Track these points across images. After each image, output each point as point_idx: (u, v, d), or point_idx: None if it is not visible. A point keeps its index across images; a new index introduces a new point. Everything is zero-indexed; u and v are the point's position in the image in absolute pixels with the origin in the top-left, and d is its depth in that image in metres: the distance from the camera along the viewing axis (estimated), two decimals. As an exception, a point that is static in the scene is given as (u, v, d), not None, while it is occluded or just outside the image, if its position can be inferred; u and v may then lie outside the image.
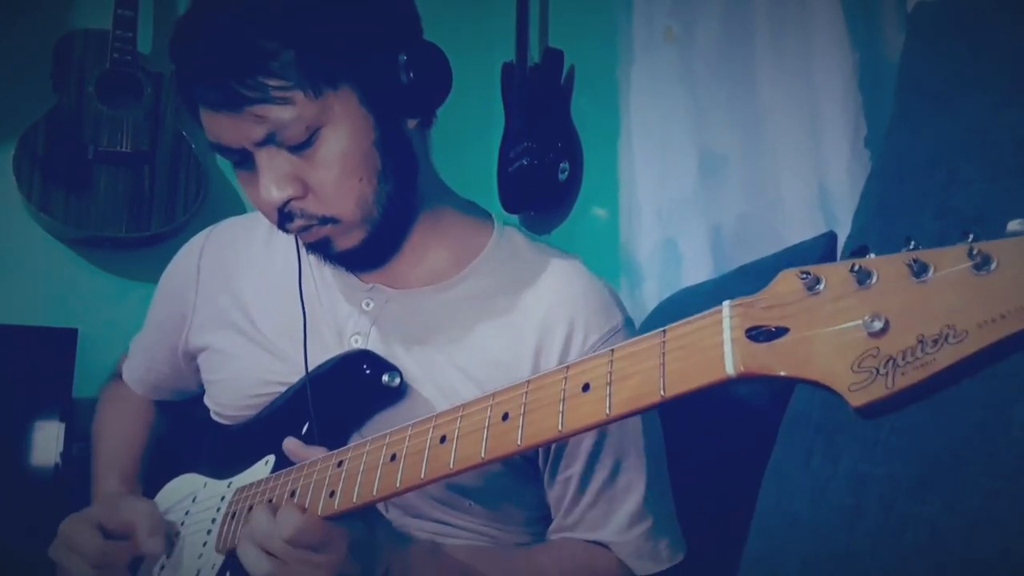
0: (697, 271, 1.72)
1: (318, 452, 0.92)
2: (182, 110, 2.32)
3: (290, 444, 0.96)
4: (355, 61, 0.94)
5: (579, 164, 2.23)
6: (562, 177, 2.19)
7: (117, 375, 1.32)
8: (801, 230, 1.44)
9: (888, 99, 1.01)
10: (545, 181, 2.21)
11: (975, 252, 0.50)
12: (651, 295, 1.82)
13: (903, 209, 0.90)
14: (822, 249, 1.23)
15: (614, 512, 1.04)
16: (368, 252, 1.01)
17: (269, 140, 0.92)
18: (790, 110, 1.54)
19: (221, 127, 0.94)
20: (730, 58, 1.68)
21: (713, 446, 1.16)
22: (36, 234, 2.27)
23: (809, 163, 1.49)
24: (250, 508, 0.96)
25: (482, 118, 2.52)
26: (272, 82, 0.90)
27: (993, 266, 0.50)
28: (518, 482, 1.07)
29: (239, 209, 2.39)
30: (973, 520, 0.73)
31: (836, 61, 1.43)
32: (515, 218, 2.33)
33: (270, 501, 0.92)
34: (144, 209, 2.24)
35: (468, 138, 2.43)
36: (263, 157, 0.94)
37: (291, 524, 0.83)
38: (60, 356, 2.07)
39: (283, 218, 0.96)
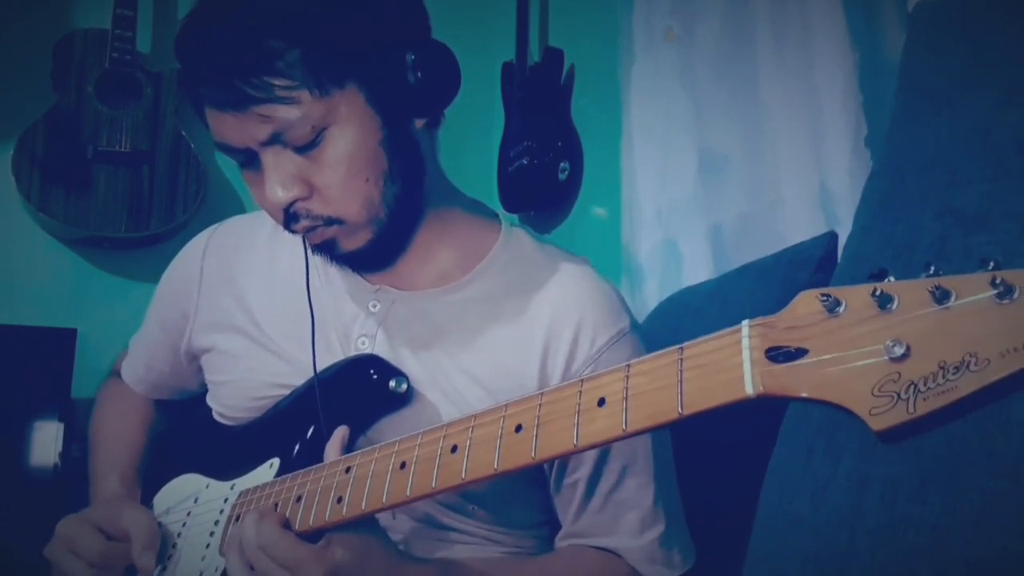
0: (697, 271, 1.72)
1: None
2: (182, 110, 2.32)
3: (339, 436, 0.95)
4: (362, 60, 0.93)
5: (579, 164, 2.23)
6: (562, 177, 2.19)
7: (115, 374, 1.32)
8: (801, 230, 1.43)
9: (888, 99, 1.01)
10: (545, 181, 2.21)
11: (998, 281, 0.51)
12: (651, 295, 1.82)
13: (903, 209, 0.90)
14: (823, 249, 1.22)
15: (623, 517, 1.02)
16: (374, 253, 1.01)
17: (275, 140, 0.92)
18: (790, 110, 1.53)
19: (226, 127, 0.93)
20: (730, 58, 1.68)
21: (713, 446, 1.16)
22: (36, 234, 2.27)
23: (809, 163, 1.49)
24: None
25: (482, 118, 2.52)
26: (278, 81, 0.89)
27: (1016, 295, 0.50)
28: (523, 486, 1.06)
29: (239, 209, 2.40)
30: (973, 520, 0.73)
31: (836, 61, 1.43)
32: (515, 218, 2.33)
33: (275, 506, 0.92)
34: (144, 209, 2.24)
35: (468, 138, 2.43)
36: (268, 157, 0.93)
37: (264, 537, 0.84)
38: (59, 356, 2.07)
39: (289, 218, 0.96)
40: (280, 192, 0.93)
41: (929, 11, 0.97)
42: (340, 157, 0.93)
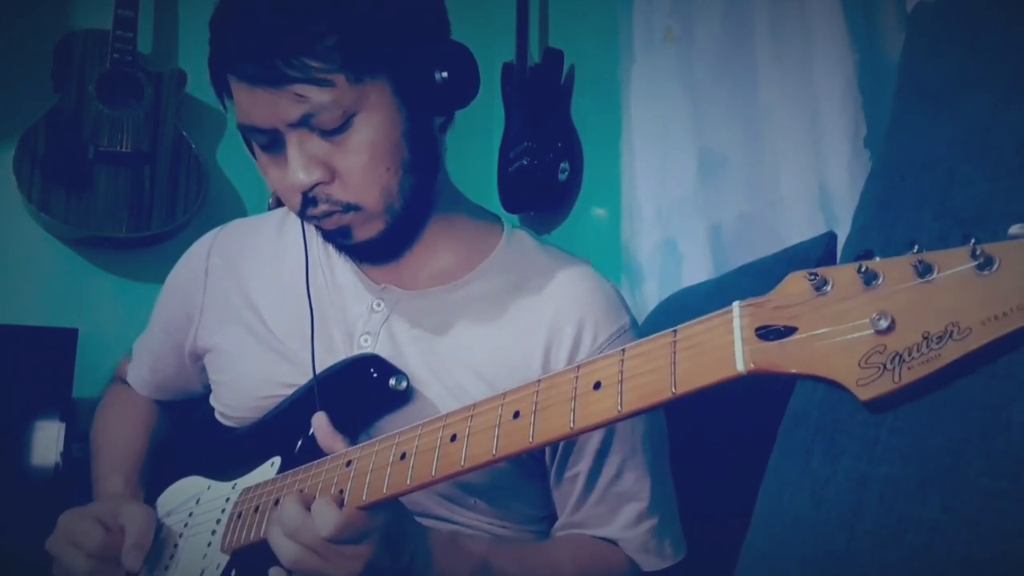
0: (697, 271, 1.72)
1: (340, 444, 0.92)
2: (183, 110, 2.32)
3: (321, 419, 0.94)
4: (393, 52, 0.95)
5: (579, 164, 2.23)
6: (562, 177, 2.19)
7: (117, 379, 1.32)
8: (801, 230, 1.44)
9: (888, 99, 1.01)
10: (545, 181, 2.21)
11: (978, 253, 0.52)
12: (651, 295, 1.82)
13: (903, 209, 0.90)
14: (822, 249, 1.23)
15: (620, 509, 1.05)
16: (384, 244, 1.02)
17: (303, 122, 0.93)
18: (790, 110, 1.54)
19: (257, 105, 0.94)
20: (730, 58, 1.69)
21: (713, 446, 1.16)
22: (36, 234, 2.27)
23: (809, 163, 1.49)
24: (256, 509, 0.96)
25: (482, 118, 2.53)
26: (315, 63, 0.91)
27: (995, 267, 0.52)
28: (524, 480, 1.07)
29: (240, 209, 2.40)
30: (973, 520, 0.73)
31: (836, 61, 1.43)
32: (515, 218, 2.33)
33: (301, 491, 0.90)
34: (144, 209, 2.25)
35: (468, 138, 2.43)
36: (293, 139, 0.94)
37: (330, 523, 0.82)
38: (60, 356, 2.07)
39: (306, 203, 0.97)
40: (302, 175, 0.94)
41: (928, 11, 0.98)
42: (365, 144, 0.95)
